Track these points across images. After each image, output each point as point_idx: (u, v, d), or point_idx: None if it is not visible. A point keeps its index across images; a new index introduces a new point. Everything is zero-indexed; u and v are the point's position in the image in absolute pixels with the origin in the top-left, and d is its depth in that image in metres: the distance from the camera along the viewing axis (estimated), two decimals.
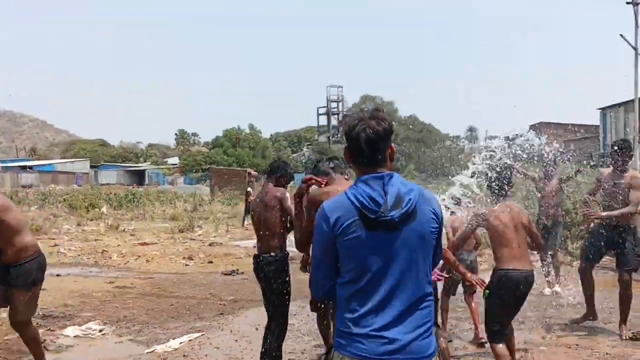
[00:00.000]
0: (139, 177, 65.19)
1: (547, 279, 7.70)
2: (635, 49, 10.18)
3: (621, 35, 10.08)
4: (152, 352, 5.71)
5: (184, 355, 5.56)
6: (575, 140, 42.88)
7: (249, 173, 21.92)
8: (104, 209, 23.67)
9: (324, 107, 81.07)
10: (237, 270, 10.53)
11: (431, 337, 2.08)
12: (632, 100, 34.63)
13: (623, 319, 5.77)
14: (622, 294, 5.80)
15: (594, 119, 43.01)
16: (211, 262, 11.79)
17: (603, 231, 5.83)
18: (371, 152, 2.04)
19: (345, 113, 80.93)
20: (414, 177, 51.95)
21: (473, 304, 5.72)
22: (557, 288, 7.64)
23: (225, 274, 10.29)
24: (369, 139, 2.03)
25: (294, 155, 75.10)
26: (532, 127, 55.17)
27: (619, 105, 38.50)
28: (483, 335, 5.09)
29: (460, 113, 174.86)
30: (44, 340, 5.63)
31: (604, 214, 5.81)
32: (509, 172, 4.58)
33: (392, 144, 2.09)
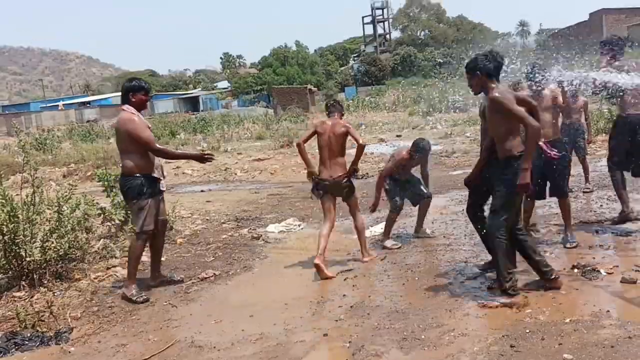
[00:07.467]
0: (193, 103, 66.11)
1: None
2: None
3: None
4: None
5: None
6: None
7: (310, 89, 22.38)
8: (181, 135, 24.56)
9: (368, 15, 79.28)
10: (367, 174, 11.30)
11: None
12: None
13: None
14: None
15: None
16: None
17: None
18: None
19: (391, 18, 79.01)
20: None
21: None
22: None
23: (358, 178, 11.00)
24: None
25: (342, 68, 74.43)
26: (592, 14, 52.69)
27: None
28: None
29: (510, 7, 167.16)
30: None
31: None
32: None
33: None
